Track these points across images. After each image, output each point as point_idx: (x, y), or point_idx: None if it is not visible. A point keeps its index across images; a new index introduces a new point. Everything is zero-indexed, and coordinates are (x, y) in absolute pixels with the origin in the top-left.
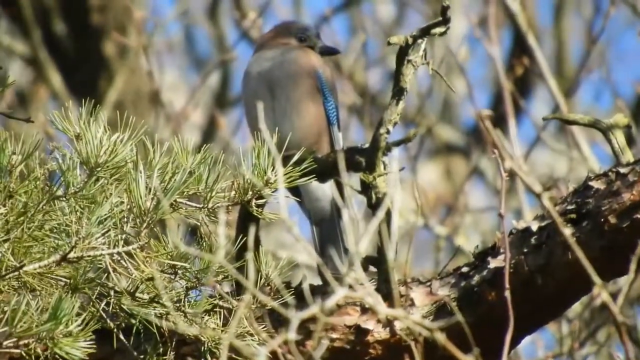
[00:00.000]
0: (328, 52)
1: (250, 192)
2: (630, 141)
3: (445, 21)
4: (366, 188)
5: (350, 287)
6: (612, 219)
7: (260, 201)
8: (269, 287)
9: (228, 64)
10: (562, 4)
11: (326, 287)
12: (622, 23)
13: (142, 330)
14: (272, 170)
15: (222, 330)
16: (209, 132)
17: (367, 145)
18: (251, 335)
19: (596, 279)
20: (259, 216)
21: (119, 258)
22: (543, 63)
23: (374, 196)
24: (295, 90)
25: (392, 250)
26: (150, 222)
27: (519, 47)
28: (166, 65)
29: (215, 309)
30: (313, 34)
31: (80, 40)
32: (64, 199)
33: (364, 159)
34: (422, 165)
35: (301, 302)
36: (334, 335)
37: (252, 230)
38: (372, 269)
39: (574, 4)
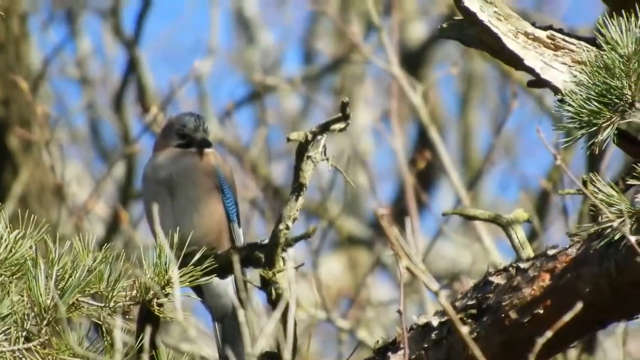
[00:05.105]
0: (201, 146)
1: (151, 291)
2: (533, 235)
3: (345, 117)
4: (266, 284)
5: None
6: (513, 314)
7: (161, 300)
8: None
9: (132, 157)
10: (467, 96)
11: None
12: (530, 114)
13: None
14: (173, 269)
15: None
16: (113, 226)
17: (266, 241)
18: None
19: None
20: (160, 315)
21: (21, 355)
22: (445, 157)
23: (273, 292)
24: (195, 190)
25: (289, 347)
26: (50, 319)
27: (423, 140)
28: (71, 157)
29: None
30: (191, 129)
31: None
32: None
33: (264, 255)
34: (325, 258)
35: None
36: None
37: (148, 331)
38: None
39: (480, 95)
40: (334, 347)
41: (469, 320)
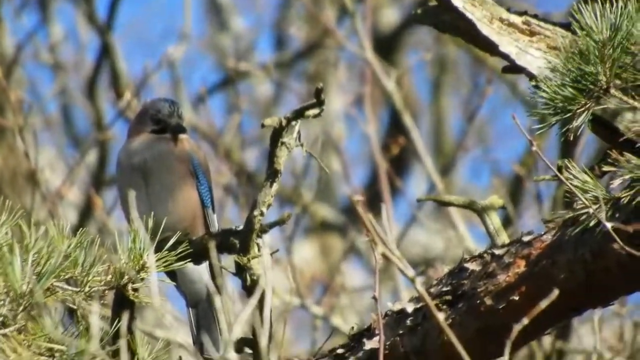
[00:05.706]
0: (175, 132)
1: (126, 276)
2: (507, 221)
3: (320, 103)
4: (241, 270)
5: None
6: (488, 301)
7: (136, 285)
8: None
9: (105, 143)
10: (440, 81)
11: None
12: (503, 101)
13: None
14: (148, 254)
15: None
16: (86, 212)
17: (241, 228)
18: None
19: None
20: (135, 300)
21: None
22: (419, 142)
23: (248, 278)
24: (169, 175)
25: (265, 333)
26: (26, 305)
27: (396, 125)
28: (44, 143)
29: None
30: (166, 114)
31: None
32: None
33: (238, 241)
34: (298, 244)
35: None
36: None
37: (125, 317)
38: (248, 350)
39: (452, 81)
40: (308, 334)
41: (444, 307)
